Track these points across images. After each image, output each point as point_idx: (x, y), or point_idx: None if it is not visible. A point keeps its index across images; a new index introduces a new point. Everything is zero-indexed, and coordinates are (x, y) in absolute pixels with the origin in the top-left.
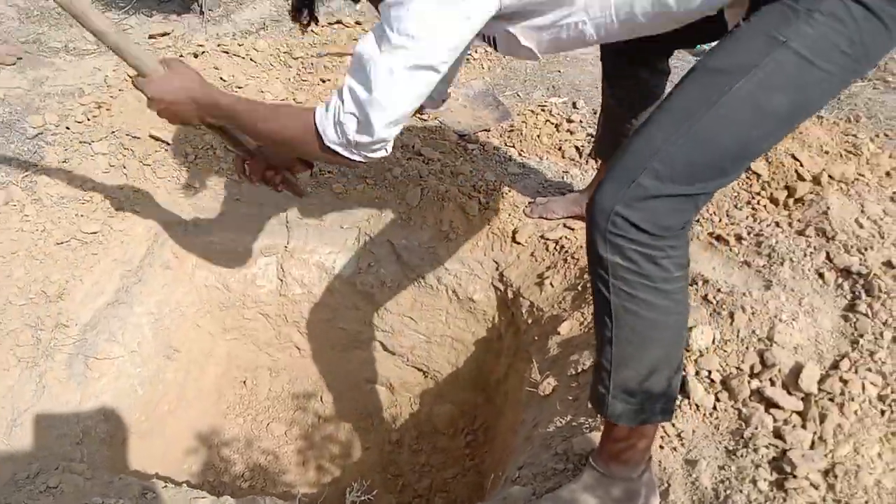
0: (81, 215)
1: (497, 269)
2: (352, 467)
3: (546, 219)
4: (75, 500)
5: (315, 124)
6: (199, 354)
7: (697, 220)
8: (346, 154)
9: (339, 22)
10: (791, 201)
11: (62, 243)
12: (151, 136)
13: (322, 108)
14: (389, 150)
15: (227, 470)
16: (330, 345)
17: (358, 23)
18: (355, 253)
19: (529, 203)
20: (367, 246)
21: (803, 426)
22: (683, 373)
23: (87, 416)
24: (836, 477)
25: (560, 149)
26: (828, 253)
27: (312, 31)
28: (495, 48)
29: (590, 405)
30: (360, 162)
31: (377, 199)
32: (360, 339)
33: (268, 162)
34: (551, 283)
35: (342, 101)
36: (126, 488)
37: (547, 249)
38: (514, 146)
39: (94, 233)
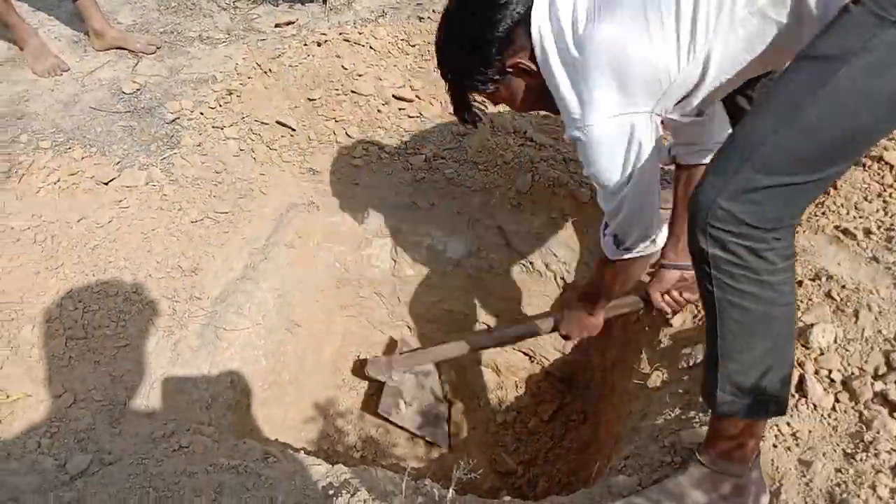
0: (214, 196)
1: None
2: (458, 445)
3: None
4: (204, 460)
5: (615, 262)
6: (318, 329)
7: (823, 213)
8: (635, 255)
9: None
10: None
11: (196, 222)
12: (278, 123)
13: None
14: (659, 240)
15: (341, 440)
16: (439, 325)
17: None
18: (465, 237)
19: None
20: (476, 230)
21: None
22: (801, 371)
23: (215, 382)
24: None
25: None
26: None
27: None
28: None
29: (701, 399)
30: (652, 251)
31: (488, 184)
32: (468, 320)
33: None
34: None
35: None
36: (250, 452)
37: None
38: None
39: (226, 212)
